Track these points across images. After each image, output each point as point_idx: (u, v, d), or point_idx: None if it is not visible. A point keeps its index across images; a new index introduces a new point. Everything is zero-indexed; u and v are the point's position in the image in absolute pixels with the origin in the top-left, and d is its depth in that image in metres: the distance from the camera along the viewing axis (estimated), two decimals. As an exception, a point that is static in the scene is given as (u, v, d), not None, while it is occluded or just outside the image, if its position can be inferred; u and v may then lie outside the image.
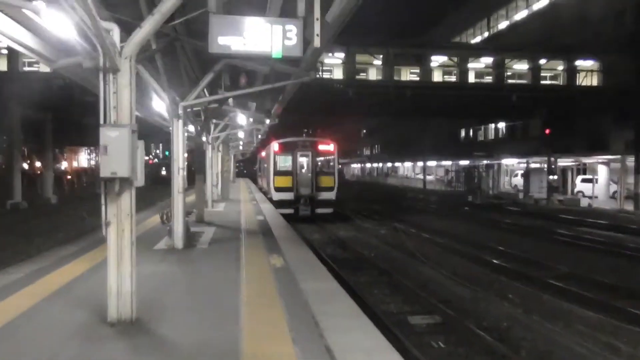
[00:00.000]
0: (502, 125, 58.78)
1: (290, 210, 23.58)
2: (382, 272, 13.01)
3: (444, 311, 9.43)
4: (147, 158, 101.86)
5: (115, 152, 4.68)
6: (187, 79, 10.39)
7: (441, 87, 37.10)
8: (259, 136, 30.47)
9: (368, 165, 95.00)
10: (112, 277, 4.99)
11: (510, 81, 38.73)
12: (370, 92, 34.96)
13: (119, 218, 4.96)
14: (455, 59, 37.03)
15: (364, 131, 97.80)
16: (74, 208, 27.55)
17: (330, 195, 24.53)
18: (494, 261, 14.22)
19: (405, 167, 76.43)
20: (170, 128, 9.69)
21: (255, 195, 28.56)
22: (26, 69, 29.14)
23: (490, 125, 61.94)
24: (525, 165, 44.11)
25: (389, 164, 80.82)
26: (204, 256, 9.23)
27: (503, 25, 53.47)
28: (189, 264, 8.64)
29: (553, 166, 33.53)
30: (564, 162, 38.43)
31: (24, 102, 29.08)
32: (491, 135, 62.93)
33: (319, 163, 24.97)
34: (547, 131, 33.50)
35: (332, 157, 25.09)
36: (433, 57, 37.32)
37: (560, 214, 27.02)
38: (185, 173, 9.91)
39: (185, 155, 10.15)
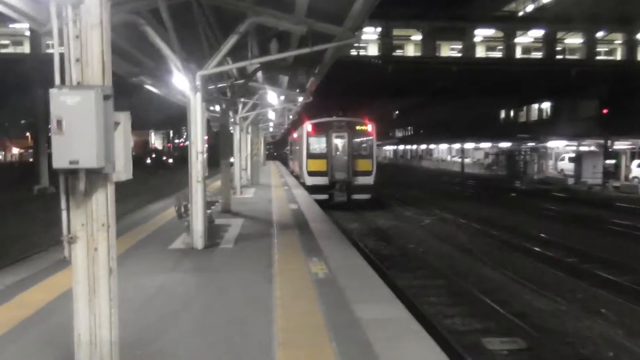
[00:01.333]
0: (546, 105, 55.41)
1: (325, 196, 21.80)
2: (437, 273, 11.13)
3: (525, 330, 7.53)
4: (179, 141, 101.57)
5: (76, 130, 2.93)
6: (206, 43, 8.63)
7: (489, 62, 34.29)
8: (290, 117, 28.61)
9: (401, 147, 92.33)
10: (82, 320, 3.28)
11: (560, 57, 35.73)
12: (411, 68, 32.57)
13: (89, 231, 3.23)
14: (501, 33, 34.26)
15: (397, 112, 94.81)
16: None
17: (368, 180, 22.60)
18: (566, 260, 12.15)
19: (441, 150, 73.50)
20: (187, 104, 7.95)
21: (286, 180, 26.90)
22: (49, 50, 28.08)
23: (533, 105, 58.54)
24: (574, 148, 41.11)
25: (424, 146, 78.02)
26: (228, 260, 7.53)
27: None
28: (209, 273, 6.94)
29: (610, 149, 30.67)
30: (617, 145, 35.32)
31: (48, 86, 28.07)
32: (534, 116, 59.49)
33: (356, 145, 23.02)
34: (605, 111, 30.58)
35: (370, 138, 23.07)
36: (477, 31, 34.65)
37: (620, 202, 24.44)
38: (205, 157, 8.19)
39: (206, 137, 8.40)
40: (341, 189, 22.05)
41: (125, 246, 8.48)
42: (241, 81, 14.31)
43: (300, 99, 18.74)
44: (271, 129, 40.58)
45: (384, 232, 16.74)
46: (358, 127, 22.73)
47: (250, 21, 7.80)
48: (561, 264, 11.86)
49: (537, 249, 13.58)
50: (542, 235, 15.47)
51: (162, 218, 11.69)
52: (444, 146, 70.65)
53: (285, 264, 7.16)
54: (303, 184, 23.52)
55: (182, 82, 8.42)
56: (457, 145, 64.34)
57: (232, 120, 17.58)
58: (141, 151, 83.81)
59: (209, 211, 10.09)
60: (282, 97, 19.49)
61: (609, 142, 31.58)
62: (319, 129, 22.63)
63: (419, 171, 60.04)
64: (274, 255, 7.76)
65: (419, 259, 12.66)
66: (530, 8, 37.63)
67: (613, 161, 32.39)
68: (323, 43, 8.35)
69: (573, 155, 40.32)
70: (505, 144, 49.10)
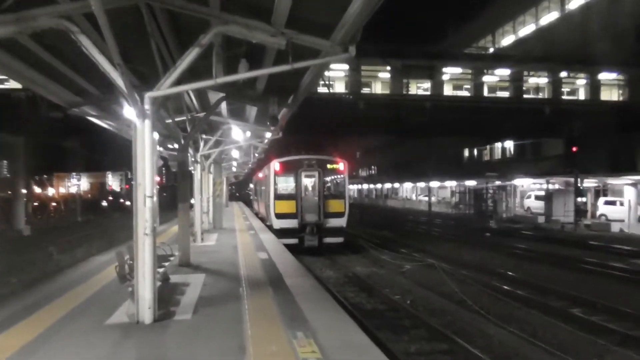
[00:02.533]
0: (509, 144, 55.87)
1: (294, 241, 20.01)
2: (435, 334, 9.44)
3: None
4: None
5: None
6: (159, 61, 6.96)
7: (464, 101, 33.81)
8: (256, 154, 26.88)
9: (365, 186, 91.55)
10: None
11: (527, 96, 35.80)
12: (382, 105, 31.67)
13: None
14: (470, 71, 34.05)
15: (361, 151, 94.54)
16: (48, 241, 23.85)
17: (341, 222, 20.96)
18: (581, 316, 10.58)
19: (406, 189, 72.99)
20: (133, 134, 6.19)
21: (252, 223, 24.96)
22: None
23: (496, 144, 59.05)
24: (539, 186, 40.96)
25: (388, 185, 77.39)
26: (185, 342, 5.58)
27: (508, 40, 50.62)
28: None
29: (581, 187, 30.24)
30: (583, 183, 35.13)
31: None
32: (497, 155, 59.97)
33: (327, 184, 21.49)
34: (574, 149, 30.27)
35: (342, 177, 21.60)
36: (445, 69, 34.34)
37: (600, 241, 23.64)
38: (156, 202, 6.37)
39: (157, 178, 6.62)
40: (312, 232, 20.30)
41: (49, 319, 6.48)
42: (202, 114, 12.66)
43: (269, 134, 17.14)
44: (234, 169, 38.70)
45: (363, 281, 15.02)
46: (329, 166, 21.24)
47: (215, 31, 6.21)
48: (571, 319, 10.43)
49: (539, 299, 12.15)
50: (535, 281, 14.13)
51: (107, 276, 9.62)
52: (408, 185, 70.21)
53: (263, 346, 5.32)
54: (270, 227, 21.68)
55: (128, 109, 6.69)
56: (422, 184, 63.99)
57: (193, 158, 15.78)
58: (97, 194, 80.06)
59: (163, 267, 8.19)
60: (249, 133, 17.87)
61: (579, 179, 31.22)
62: (288, 168, 21.02)
63: (386, 210, 59.02)
64: (246, 330, 5.90)
65: (410, 314, 10.96)
66: (505, 41, 37.96)
67: (584, 199, 32.02)
68: (305, 60, 6.82)
69: (540, 193, 40.17)
70: (470, 182, 48.81)
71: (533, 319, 10.42)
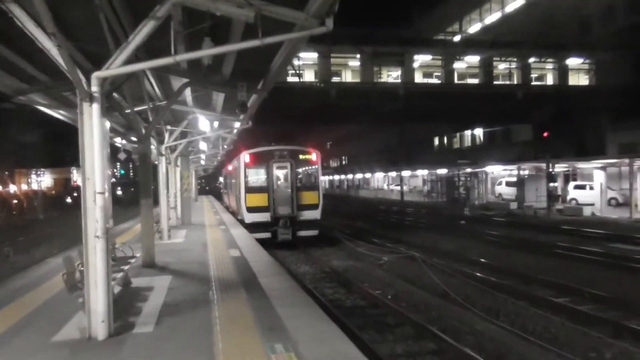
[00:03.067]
0: (479, 131, 56.15)
1: (267, 235, 19.26)
2: (421, 331, 8.87)
3: None
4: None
5: None
6: (111, 38, 6.06)
7: (435, 87, 33.42)
8: (225, 146, 25.87)
9: (336, 177, 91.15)
10: None
11: (497, 82, 35.72)
12: (354, 93, 31.02)
13: None
14: (441, 58, 33.68)
15: (332, 142, 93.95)
16: (4, 240, 22.36)
17: (315, 215, 20.27)
18: (570, 306, 10.11)
19: (377, 179, 72.86)
20: (78, 119, 5.30)
21: (222, 217, 24.04)
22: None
23: (465, 132, 59.31)
24: (510, 173, 41.20)
25: (360, 175, 77.13)
26: None
27: (475, 27, 50.53)
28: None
29: (552, 172, 30.30)
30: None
31: None
32: (467, 142, 60.26)
33: (300, 176, 20.73)
34: (545, 134, 30.33)
35: (315, 168, 20.88)
36: (415, 57, 33.90)
37: (574, 226, 23.65)
38: (108, 198, 5.50)
39: (109, 171, 5.77)
40: (285, 225, 19.54)
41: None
42: (164, 102, 11.73)
43: (238, 124, 16.26)
44: (203, 162, 37.51)
45: (341, 275, 14.39)
46: (301, 156, 20.46)
47: (173, 1, 5.37)
48: (560, 309, 10.02)
49: (527, 289, 11.74)
50: (518, 270, 13.77)
51: (61, 281, 8.68)
52: (380, 175, 70.09)
53: (236, 357, 4.58)
54: (241, 222, 20.84)
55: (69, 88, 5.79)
56: (393, 174, 63.94)
57: (157, 151, 14.80)
58: (61, 190, 77.41)
59: (122, 270, 7.32)
60: (216, 124, 16.96)
61: (550, 164, 31.32)
62: (258, 159, 20.16)
63: (359, 201, 58.63)
64: (217, 344, 5.15)
65: (393, 310, 10.36)
66: (472, 29, 37.61)
67: (557, 184, 32.19)
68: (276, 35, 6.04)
69: (511, 179, 40.38)
70: (441, 171, 48.84)
71: (521, 311, 9.96)
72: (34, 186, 71.12)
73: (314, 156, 20.57)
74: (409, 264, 15.23)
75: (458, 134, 61.10)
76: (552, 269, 13.87)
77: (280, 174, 20.24)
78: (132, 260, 8.37)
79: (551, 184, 30.67)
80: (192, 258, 11.17)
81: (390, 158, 63.60)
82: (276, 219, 19.57)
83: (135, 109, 10.90)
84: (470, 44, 35.03)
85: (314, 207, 20.21)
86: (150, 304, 6.99)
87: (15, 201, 55.39)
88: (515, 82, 35.01)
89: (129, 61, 5.45)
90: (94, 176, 5.17)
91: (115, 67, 5.35)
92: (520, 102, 32.50)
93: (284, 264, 15.53)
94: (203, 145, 24.79)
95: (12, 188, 66.79)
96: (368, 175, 74.12)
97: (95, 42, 6.45)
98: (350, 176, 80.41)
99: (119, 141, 19.51)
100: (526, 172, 36.36)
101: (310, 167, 20.94)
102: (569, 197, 33.96)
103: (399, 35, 34.43)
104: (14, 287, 8.63)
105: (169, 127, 16.00)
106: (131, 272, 8.41)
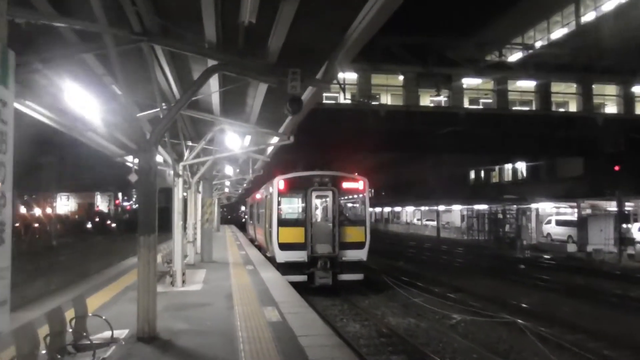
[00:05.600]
0: (521, 165, 52.20)
1: (302, 278, 15.84)
2: None
3: None
4: (128, 204, 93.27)
5: None
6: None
7: (488, 113, 29.86)
8: (252, 170, 22.42)
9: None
10: None
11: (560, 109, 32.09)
12: (395, 117, 27.82)
13: None
14: (490, 83, 30.37)
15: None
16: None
17: (360, 255, 16.75)
18: None
19: (408, 212, 68.88)
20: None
21: (248, 253, 20.67)
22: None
23: (505, 166, 55.37)
24: (557, 211, 37.29)
25: (389, 209, 73.27)
26: None
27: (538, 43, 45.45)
28: None
29: (627, 211, 26.33)
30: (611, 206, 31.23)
31: None
32: (507, 176, 56.23)
33: (343, 208, 17.40)
34: (617, 167, 26.50)
35: (361, 197, 17.47)
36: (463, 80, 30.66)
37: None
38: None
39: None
40: (325, 267, 16.07)
41: None
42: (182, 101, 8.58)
43: (275, 140, 13.06)
44: (227, 189, 34.45)
45: (406, 341, 10.81)
46: (346, 184, 17.10)
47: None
48: None
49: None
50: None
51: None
52: (410, 209, 66.20)
53: None
54: (270, 260, 17.52)
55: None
56: (424, 208, 60.09)
57: (173, 170, 11.62)
58: (84, 215, 75.46)
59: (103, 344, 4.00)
60: (248, 140, 13.82)
61: (619, 202, 27.29)
62: (295, 186, 16.89)
63: (390, 236, 54.64)
64: None
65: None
66: (516, 57, 34.34)
67: (630, 225, 28.08)
68: None
69: (562, 218, 36.37)
70: (481, 206, 44.94)
71: None
72: (59, 210, 69.22)
73: (360, 184, 17.20)
74: (489, 326, 11.59)
75: (497, 167, 57.17)
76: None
77: (320, 204, 16.96)
78: (118, 340, 5.02)
79: (624, 225, 26.64)
80: (212, 322, 7.78)
81: (422, 190, 59.88)
82: (314, 258, 16.12)
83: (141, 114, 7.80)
84: (526, 67, 31.48)
85: (359, 245, 16.72)
86: None
87: (36, 225, 53.08)
88: (573, 110, 31.38)
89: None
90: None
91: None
92: (579, 131, 28.81)
93: (326, 319, 12.06)
94: (229, 170, 21.69)
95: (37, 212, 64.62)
96: (398, 208, 70.24)
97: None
98: (378, 209, 76.50)
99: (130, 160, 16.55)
100: (587, 210, 32.36)
101: (355, 197, 17.58)
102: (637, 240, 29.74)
103: (449, 55, 31.16)
104: None
105: (189, 144, 12.89)
106: (116, 355, 5.08)
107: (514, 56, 33.45)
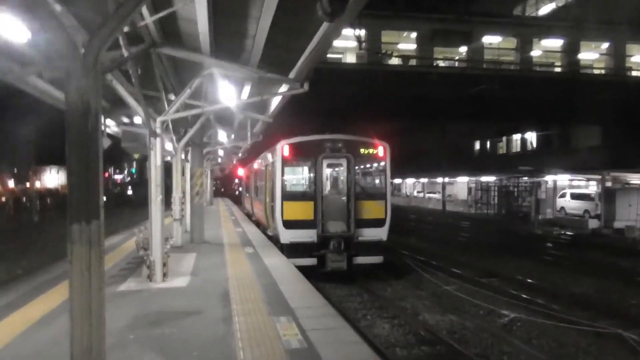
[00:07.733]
0: (530, 135, 49.49)
1: (311, 261, 13.26)
2: None
3: None
4: (119, 177, 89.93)
5: None
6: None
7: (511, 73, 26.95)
8: (251, 132, 19.17)
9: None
10: None
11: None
12: (406, 78, 24.91)
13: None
14: (512, 42, 27.40)
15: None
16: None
17: (380, 234, 14.11)
18: None
19: (408, 185, 66.31)
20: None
21: (246, 230, 17.97)
22: None
23: (513, 136, 52.66)
24: (571, 184, 35.00)
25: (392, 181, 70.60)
26: None
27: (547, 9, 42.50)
28: None
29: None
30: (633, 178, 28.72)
31: None
32: (516, 147, 53.54)
33: (360, 178, 14.70)
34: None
35: (382, 166, 14.71)
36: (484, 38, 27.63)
37: None
38: None
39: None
40: (338, 249, 13.44)
41: None
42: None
43: (284, 88, 10.20)
44: (220, 159, 31.58)
45: (451, 347, 8.27)
46: (363, 150, 14.29)
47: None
48: None
49: None
50: None
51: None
52: (410, 180, 63.65)
53: None
54: (272, 239, 14.91)
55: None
56: (426, 180, 57.65)
57: (149, 129, 8.76)
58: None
59: None
60: (247, 91, 10.95)
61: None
62: (302, 153, 14.11)
63: (393, 209, 52.09)
64: None
65: None
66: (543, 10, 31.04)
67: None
68: None
69: (578, 191, 34.03)
70: (487, 178, 42.46)
71: None
72: (48, 184, 66.19)
73: (381, 150, 14.39)
74: (558, 328, 9.08)
75: (504, 138, 54.47)
76: None
77: (332, 174, 14.26)
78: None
79: (660, 199, 24.19)
80: (200, 352, 5.08)
81: (426, 162, 57.26)
82: (325, 238, 13.47)
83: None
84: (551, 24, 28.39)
85: (378, 223, 14.09)
86: None
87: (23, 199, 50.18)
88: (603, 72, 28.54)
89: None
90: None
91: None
92: (613, 94, 26.06)
93: (343, 314, 9.50)
94: (222, 136, 18.77)
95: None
96: (398, 180, 67.60)
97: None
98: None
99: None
100: (607, 183, 29.89)
101: (374, 166, 14.87)
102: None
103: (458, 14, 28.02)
104: None
105: (172, 98, 10.01)
106: None
107: (543, 9, 30.39)
